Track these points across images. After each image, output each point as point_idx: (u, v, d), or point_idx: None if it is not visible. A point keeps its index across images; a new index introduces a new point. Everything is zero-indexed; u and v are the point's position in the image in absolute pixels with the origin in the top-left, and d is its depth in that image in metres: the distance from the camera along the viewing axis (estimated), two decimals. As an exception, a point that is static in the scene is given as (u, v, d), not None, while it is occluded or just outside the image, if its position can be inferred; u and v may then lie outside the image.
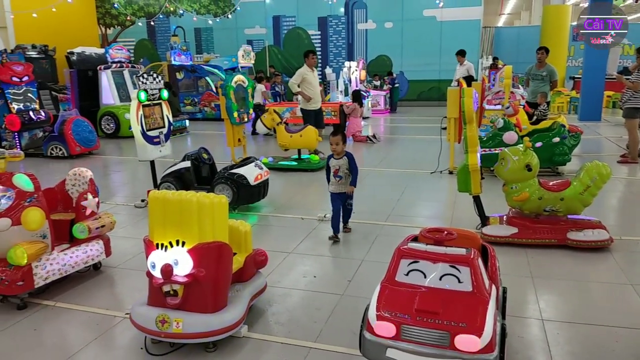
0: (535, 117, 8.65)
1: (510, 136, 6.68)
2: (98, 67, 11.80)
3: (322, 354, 2.88)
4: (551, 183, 4.45)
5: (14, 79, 8.93)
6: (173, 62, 14.56)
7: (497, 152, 6.34)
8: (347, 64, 14.63)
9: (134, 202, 6.09)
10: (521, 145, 4.51)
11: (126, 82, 12.06)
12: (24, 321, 3.32)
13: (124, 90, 11.96)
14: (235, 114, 7.28)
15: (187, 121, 12.54)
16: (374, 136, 10.49)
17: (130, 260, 4.32)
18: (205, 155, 6.01)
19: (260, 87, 11.95)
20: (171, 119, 6.04)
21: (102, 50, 13.51)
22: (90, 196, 3.83)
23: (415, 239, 2.83)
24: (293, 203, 6.08)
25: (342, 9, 18.31)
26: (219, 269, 2.84)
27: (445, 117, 7.27)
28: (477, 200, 4.63)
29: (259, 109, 10.80)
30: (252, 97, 8.04)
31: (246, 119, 7.74)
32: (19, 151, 3.65)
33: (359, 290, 3.63)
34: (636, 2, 13.92)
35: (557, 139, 6.76)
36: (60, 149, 9.14)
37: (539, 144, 6.59)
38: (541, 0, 20.84)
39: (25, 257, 3.26)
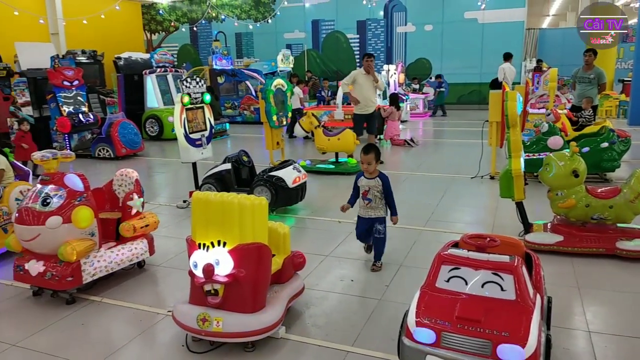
0: (579, 123, 8.34)
1: (555, 141, 6.47)
2: (143, 72, 12.20)
3: (360, 358, 2.86)
4: (599, 190, 4.28)
5: (65, 83, 9.34)
6: (214, 67, 14.88)
7: (541, 157, 6.16)
8: (385, 67, 14.54)
9: (176, 203, 6.25)
10: (567, 150, 4.36)
11: (170, 86, 12.43)
12: (72, 315, 3.46)
13: (168, 94, 12.32)
14: (275, 118, 7.40)
15: (227, 124, 12.78)
16: (412, 140, 10.39)
17: (172, 259, 4.43)
18: (245, 158, 6.11)
19: (298, 92, 12.04)
20: (213, 122, 6.17)
21: (147, 56, 13.96)
22: (136, 196, 3.97)
23: (455, 245, 2.79)
24: (330, 206, 6.08)
25: (382, 12, 18.24)
26: (258, 269, 2.88)
27: (487, 120, 7.11)
28: (520, 206, 4.51)
29: (297, 113, 10.89)
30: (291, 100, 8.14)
31: (285, 122, 7.85)
32: (70, 152, 3.80)
33: (396, 296, 3.60)
34: None
35: (605, 144, 6.50)
36: (107, 151, 9.50)
37: (586, 149, 6.35)
38: (588, 1, 20.10)
39: (74, 254, 3.40)
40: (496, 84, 11.60)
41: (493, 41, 16.72)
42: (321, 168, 7.95)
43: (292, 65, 16.06)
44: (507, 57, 12.38)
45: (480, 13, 16.79)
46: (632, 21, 15.98)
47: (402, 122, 12.24)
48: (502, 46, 16.47)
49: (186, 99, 5.58)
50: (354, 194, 4.07)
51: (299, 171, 5.90)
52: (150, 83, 12.08)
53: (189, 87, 5.65)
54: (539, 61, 14.80)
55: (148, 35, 21.73)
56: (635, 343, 2.96)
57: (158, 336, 3.22)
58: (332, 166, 7.97)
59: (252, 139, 12.10)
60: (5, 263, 4.35)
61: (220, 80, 15.04)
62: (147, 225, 4.02)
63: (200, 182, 6.05)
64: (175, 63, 13.79)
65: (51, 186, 3.50)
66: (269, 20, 19.46)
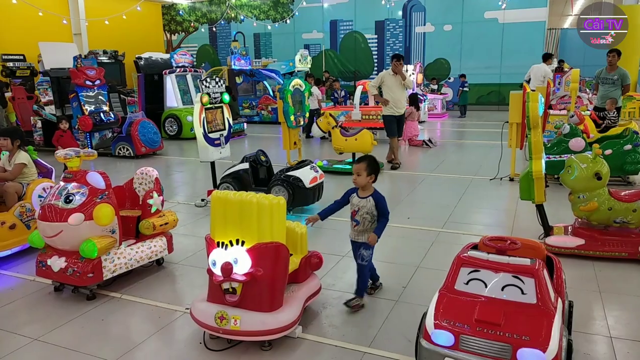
0: (603, 125, 8.18)
1: (577, 143, 6.36)
2: (163, 72, 12.34)
3: (376, 360, 2.86)
4: (623, 193, 4.19)
5: (87, 82, 9.50)
6: (233, 67, 14.98)
7: (562, 159, 6.07)
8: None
9: (194, 201, 6.30)
10: (590, 152, 4.28)
11: (189, 85, 12.55)
12: (92, 311, 3.52)
13: (187, 94, 12.45)
14: (292, 118, 7.42)
15: (244, 124, 12.86)
16: (430, 140, 10.32)
17: (191, 257, 4.47)
18: (263, 158, 6.14)
19: (317, 93, 12.04)
20: (231, 122, 6.21)
21: (167, 56, 14.11)
22: (155, 194, 4.02)
23: (475, 247, 2.76)
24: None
25: (400, 12, 18.15)
26: (275, 269, 2.89)
27: (507, 122, 7.02)
28: (540, 209, 4.44)
29: (315, 113, 10.91)
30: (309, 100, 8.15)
31: (302, 122, 7.87)
32: (93, 150, 3.87)
33: (414, 297, 3.58)
34: None
35: (629, 147, 6.36)
36: (127, 149, 9.63)
37: (608, 152, 6.23)
38: (612, 0, 19.70)
39: (95, 250, 3.46)
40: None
41: (513, 41, 16.52)
42: (338, 168, 7.94)
43: (309, 66, 16.08)
44: (546, 57, 11.89)
45: (501, 13, 16.59)
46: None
47: (420, 122, 12.16)
48: (523, 46, 16.32)
49: (206, 99, 5.63)
50: (334, 206, 3.48)
51: (316, 171, 5.90)
52: (170, 83, 12.21)
53: (209, 87, 5.69)
54: (560, 62, 14.59)
55: (168, 35, 21.99)
56: (659, 350, 2.89)
57: (176, 333, 3.26)
58: (349, 166, 7.95)
59: (269, 139, 12.15)
60: (28, 259, 4.44)
61: (239, 80, 15.14)
62: (166, 224, 4.07)
63: (218, 181, 6.09)
64: (195, 63, 13.91)
65: (74, 184, 3.57)
66: (288, 21, 19.52)
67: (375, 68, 18.81)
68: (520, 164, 7.29)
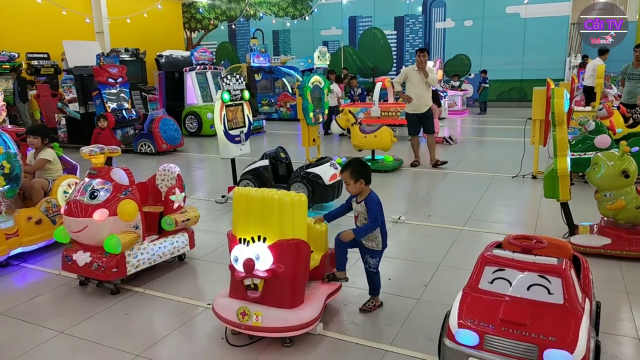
0: (632, 120, 7.97)
1: (602, 140, 6.21)
2: (184, 69, 12.46)
3: (398, 358, 2.84)
4: (651, 191, 4.08)
5: (110, 80, 9.64)
6: (252, 64, 15.04)
7: (587, 156, 5.94)
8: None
9: (214, 198, 6.35)
10: (617, 149, 4.18)
11: (209, 83, 12.64)
12: (116, 305, 3.58)
13: (207, 91, 12.54)
14: (311, 114, 7.42)
15: (263, 121, 12.91)
16: (450, 138, 10.21)
17: (212, 252, 4.51)
18: (282, 155, 6.15)
19: (337, 91, 11.99)
20: (251, 119, 6.23)
21: (187, 53, 14.24)
22: (177, 191, 4.06)
23: (499, 245, 2.71)
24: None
25: (420, 8, 17.98)
26: (297, 265, 2.89)
27: (530, 118, 6.90)
28: (565, 207, 4.35)
29: (334, 110, 10.88)
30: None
31: (321, 119, 7.86)
32: (117, 147, 3.92)
33: (435, 296, 3.55)
34: None
35: (657, 144, 6.19)
36: (149, 146, 9.76)
37: (635, 149, 6.04)
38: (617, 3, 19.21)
39: (120, 245, 3.51)
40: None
41: (536, 36, 16.22)
42: (357, 165, 7.90)
43: (328, 62, 16.05)
44: (602, 52, 11.37)
45: (523, 7, 16.30)
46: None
47: (440, 119, 12.04)
48: (546, 42, 16.01)
49: (226, 96, 5.66)
50: (339, 210, 3.37)
51: (336, 168, 5.88)
52: (190, 80, 12.32)
53: (229, 84, 5.72)
54: (584, 57, 14.25)
55: (188, 33, 22.18)
56: (690, 353, 2.81)
57: (198, 328, 3.29)
58: (368, 163, 7.91)
59: (288, 136, 12.17)
60: (54, 253, 4.53)
61: (258, 77, 15.20)
62: (188, 220, 4.11)
63: (238, 178, 6.12)
64: (214, 60, 14.01)
65: (98, 180, 3.62)
66: (306, 18, 19.50)
67: (395, 64, 18.69)
68: (543, 161, 7.15)
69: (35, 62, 14.87)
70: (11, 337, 3.23)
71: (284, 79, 14.99)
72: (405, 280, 3.87)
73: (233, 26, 21.01)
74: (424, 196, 6.42)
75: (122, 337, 3.16)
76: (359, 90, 13.33)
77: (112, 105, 9.70)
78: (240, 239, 2.91)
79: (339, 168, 5.93)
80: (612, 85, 12.34)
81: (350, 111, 8.49)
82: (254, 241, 2.87)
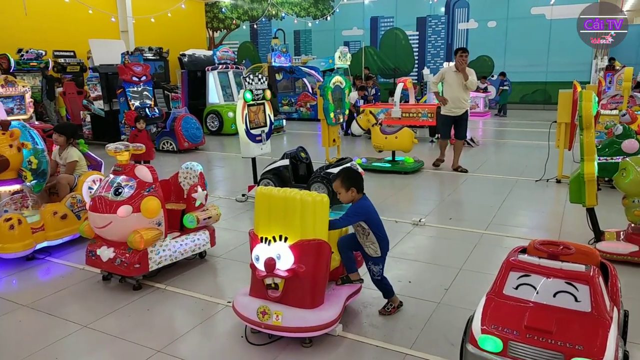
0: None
1: (630, 144, 6.05)
2: (206, 68, 12.57)
3: (418, 362, 2.81)
4: (682, 198, 3.96)
5: (134, 78, 9.78)
6: (273, 64, 15.10)
7: (614, 161, 5.80)
8: (445, 64, 14.21)
9: (234, 196, 6.39)
10: (647, 154, 4.08)
11: (230, 82, 12.73)
12: (138, 301, 3.62)
13: (228, 90, 12.63)
14: (332, 115, 7.40)
15: (284, 121, 12.94)
16: (472, 140, 10.08)
17: (232, 251, 4.54)
18: (303, 155, 6.15)
19: (352, 98, 11.91)
20: (272, 119, 6.25)
21: (210, 52, 14.36)
22: (200, 189, 4.09)
23: (523, 250, 2.66)
24: (386, 205, 6.01)
25: (443, 9, 17.83)
26: (317, 266, 2.88)
27: (555, 121, 6.77)
28: (591, 212, 4.26)
29: (355, 111, 10.85)
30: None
31: (342, 120, 7.84)
32: (142, 145, 3.97)
33: (456, 300, 3.50)
34: None
35: (688, 149, 6.01)
36: (171, 144, 9.88)
37: (665, 154, 5.91)
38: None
39: (143, 242, 3.55)
40: None
41: (561, 38, 15.93)
42: (377, 166, 7.88)
43: (349, 63, 16.01)
44: None
45: (549, 9, 16.03)
46: None
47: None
48: (571, 44, 15.68)
49: (249, 96, 5.68)
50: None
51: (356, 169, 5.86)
52: (212, 79, 12.43)
53: (252, 84, 5.75)
54: (611, 59, 13.95)
55: (210, 32, 22.39)
56: None
57: (218, 326, 3.31)
58: (388, 165, 7.89)
59: (307, 136, 12.19)
60: (78, 248, 4.61)
61: (279, 77, 15.25)
62: (209, 217, 4.14)
63: (258, 177, 6.15)
64: (236, 60, 14.12)
65: (123, 177, 3.68)
66: (328, 18, 19.51)
67: (416, 65, 18.57)
68: (568, 165, 7.02)
69: (61, 60, 15.17)
70: (37, 330, 3.30)
71: (304, 79, 15.02)
72: (425, 283, 3.84)
73: (255, 26, 21.13)
74: (445, 199, 6.36)
75: (144, 333, 3.20)
76: (373, 91, 13.22)
77: (135, 103, 9.83)
78: (261, 238, 2.92)
79: (359, 169, 5.91)
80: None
81: (371, 112, 8.45)
82: (275, 240, 2.87)
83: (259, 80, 5.89)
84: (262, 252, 2.88)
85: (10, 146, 4.22)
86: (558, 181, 6.74)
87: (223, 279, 4.11)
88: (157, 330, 3.25)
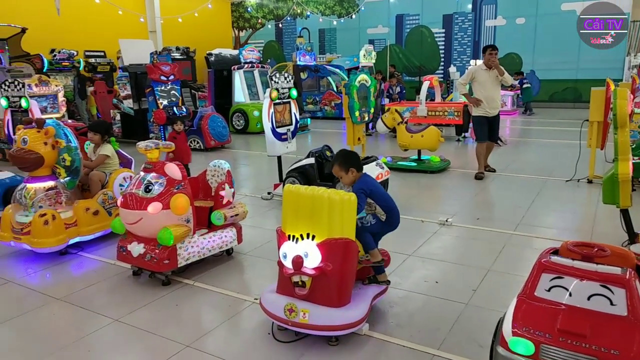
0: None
1: (667, 144, 5.87)
2: (232, 67, 12.69)
3: (446, 363, 2.79)
4: None
5: (162, 77, 9.93)
6: (298, 63, 15.14)
7: (650, 161, 5.63)
8: (472, 62, 14.02)
9: (260, 194, 6.44)
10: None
11: (256, 81, 12.82)
12: (167, 296, 3.69)
13: (254, 89, 12.73)
14: (357, 113, 7.37)
15: (308, 119, 12.97)
16: (499, 139, 9.91)
17: (258, 248, 4.58)
18: (328, 153, 6.15)
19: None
20: (298, 117, 6.27)
21: (236, 52, 14.50)
22: (227, 187, 4.14)
23: (555, 252, 2.60)
24: (412, 205, 5.96)
25: (470, 6, 17.56)
26: (345, 264, 2.88)
27: (587, 120, 6.60)
28: (625, 214, 4.14)
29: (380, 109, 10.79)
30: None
31: (367, 118, 7.80)
32: (171, 143, 4.05)
33: (485, 301, 3.45)
34: None
35: None
36: (198, 142, 10.01)
37: None
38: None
39: (172, 238, 3.62)
40: None
41: (593, 34, 15.49)
42: (402, 165, 7.82)
43: (374, 61, 15.93)
44: None
45: (580, 4, 15.58)
46: None
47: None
48: (604, 40, 15.27)
49: (275, 94, 5.72)
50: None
51: (382, 168, 5.83)
52: (238, 78, 12.54)
53: (278, 83, 5.78)
54: (646, 56, 13.51)
55: (236, 32, 22.59)
56: None
57: (244, 322, 3.34)
58: (414, 164, 7.82)
59: (332, 134, 12.18)
60: (109, 243, 4.72)
61: (303, 76, 15.28)
62: (236, 215, 4.19)
63: (284, 176, 6.18)
64: (261, 59, 14.21)
65: (153, 174, 3.74)
66: (353, 16, 19.45)
67: (442, 63, 18.35)
68: (600, 165, 6.84)
69: (92, 60, 15.55)
70: (70, 323, 3.40)
71: (329, 78, 15.02)
72: (453, 284, 3.79)
73: (280, 25, 21.22)
74: (472, 198, 6.27)
75: (173, 328, 3.25)
76: (398, 89, 13.12)
77: (163, 102, 9.99)
78: (289, 236, 2.94)
79: (385, 167, 5.88)
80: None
81: (396, 110, 8.39)
82: (302, 238, 2.88)
83: (285, 79, 5.92)
84: (289, 249, 2.89)
85: (45, 144, 4.36)
86: (589, 181, 6.57)
87: (249, 275, 4.15)
88: (185, 325, 3.30)
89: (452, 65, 16.01)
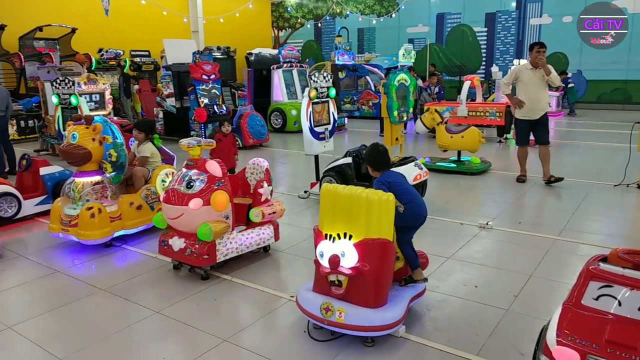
0: None
1: None
2: (271, 67, 12.81)
3: (485, 370, 2.72)
4: None
5: (204, 76, 10.16)
6: (336, 62, 15.14)
7: None
8: (515, 62, 13.63)
9: (296, 193, 6.47)
10: None
11: (294, 80, 12.91)
12: (206, 291, 3.76)
13: (292, 88, 12.82)
14: (396, 113, 7.30)
15: (346, 119, 12.95)
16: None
17: (295, 246, 4.60)
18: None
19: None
20: (336, 117, 6.27)
21: (275, 51, 14.64)
22: (265, 184, 4.19)
23: (604, 259, 2.50)
24: (450, 207, 5.87)
25: (514, 4, 17.09)
26: (382, 265, 2.86)
27: (638, 122, 6.31)
28: (680, 222, 3.93)
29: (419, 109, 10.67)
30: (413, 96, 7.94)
31: (405, 118, 7.72)
32: (212, 140, 4.13)
33: (526, 308, 3.35)
34: None
35: None
36: (237, 140, 10.15)
37: None
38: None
39: (211, 234, 3.68)
40: None
41: (645, 33, 14.81)
42: (441, 166, 7.69)
43: (413, 60, 15.73)
44: None
45: (631, 2, 14.92)
46: None
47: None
48: (657, 39, 14.58)
49: (314, 93, 5.74)
50: None
51: (421, 168, 5.75)
52: (277, 78, 12.66)
53: (317, 82, 5.79)
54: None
55: (275, 31, 22.81)
56: None
57: (281, 319, 3.37)
58: (453, 165, 7.68)
59: (369, 134, 12.11)
60: (151, 237, 4.86)
61: (341, 75, 15.26)
62: (274, 212, 4.23)
63: (321, 175, 6.19)
64: (300, 59, 14.29)
65: (195, 171, 3.82)
66: (393, 15, 19.28)
67: (484, 63, 17.95)
68: (652, 170, 6.53)
69: (137, 59, 16.04)
70: (113, 313, 3.52)
71: (367, 77, 14.95)
72: (493, 288, 3.70)
73: (319, 24, 21.28)
74: (514, 202, 6.10)
75: (211, 322, 3.31)
76: (437, 89, 12.89)
77: (204, 101, 10.21)
78: (326, 235, 2.94)
79: (424, 168, 5.80)
80: None
81: (436, 110, 8.27)
82: (339, 238, 2.87)
83: (324, 78, 5.93)
84: (326, 248, 2.89)
85: (93, 140, 4.52)
86: (639, 186, 6.29)
87: (286, 273, 4.18)
88: (223, 320, 3.35)
89: (494, 65, 15.63)
